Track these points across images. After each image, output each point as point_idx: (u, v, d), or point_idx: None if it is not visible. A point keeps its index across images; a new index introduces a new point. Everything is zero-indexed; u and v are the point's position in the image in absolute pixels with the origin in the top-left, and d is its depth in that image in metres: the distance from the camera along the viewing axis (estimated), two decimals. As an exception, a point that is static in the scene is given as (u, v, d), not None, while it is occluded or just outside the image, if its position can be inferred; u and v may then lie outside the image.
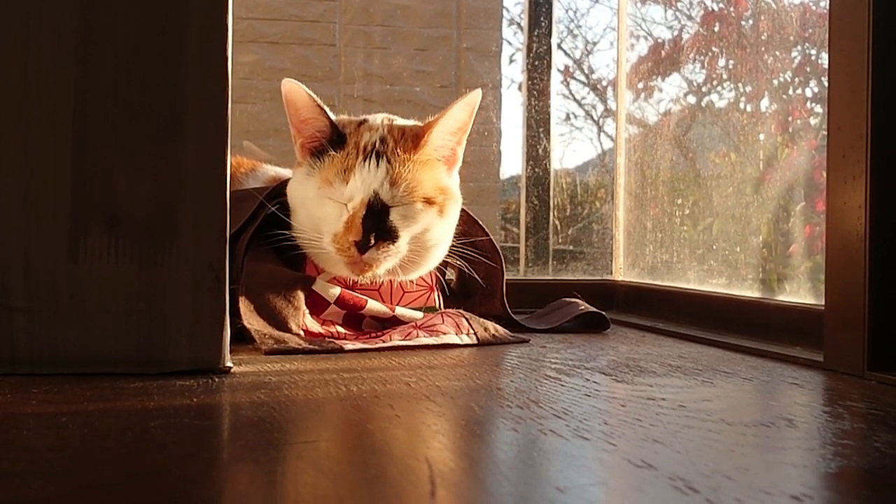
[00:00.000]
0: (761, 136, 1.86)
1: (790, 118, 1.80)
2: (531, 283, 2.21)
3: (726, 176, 1.92)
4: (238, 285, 1.43)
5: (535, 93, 2.39)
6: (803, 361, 1.33)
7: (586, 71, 2.77)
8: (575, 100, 2.73)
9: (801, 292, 1.64)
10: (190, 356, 1.15)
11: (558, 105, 2.48)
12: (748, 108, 1.95)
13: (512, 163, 2.71)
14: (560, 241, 2.44)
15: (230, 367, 1.17)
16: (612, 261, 2.25)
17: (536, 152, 2.38)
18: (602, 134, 2.70)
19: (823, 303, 1.31)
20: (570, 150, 2.73)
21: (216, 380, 1.11)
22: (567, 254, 2.38)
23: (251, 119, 2.61)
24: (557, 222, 2.42)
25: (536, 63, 2.40)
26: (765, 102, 1.91)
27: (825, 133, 1.31)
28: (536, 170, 2.37)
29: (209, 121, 1.16)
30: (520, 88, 2.52)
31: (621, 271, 2.22)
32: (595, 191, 2.54)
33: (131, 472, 0.72)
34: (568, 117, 2.67)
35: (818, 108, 1.77)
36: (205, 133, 1.16)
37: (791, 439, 0.87)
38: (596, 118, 2.73)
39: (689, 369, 1.27)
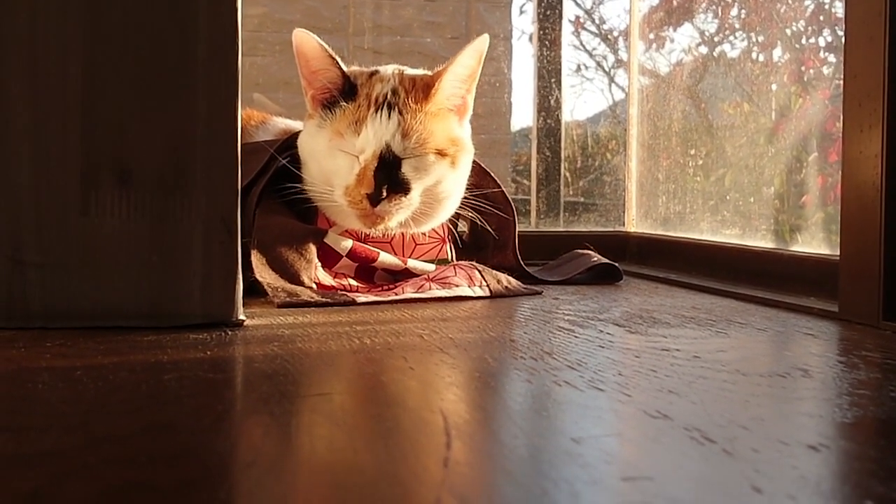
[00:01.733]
0: (774, 87, 1.84)
1: (803, 68, 1.79)
2: (543, 234, 2.20)
3: (739, 126, 1.90)
4: (250, 239, 1.43)
5: (546, 43, 2.37)
6: (818, 312, 1.33)
7: (597, 21, 2.74)
8: (586, 50, 2.70)
9: (814, 243, 1.63)
10: (202, 309, 1.15)
11: (569, 56, 2.45)
12: (761, 58, 1.93)
13: (523, 115, 2.69)
14: (572, 192, 2.43)
15: (243, 320, 1.17)
16: (624, 212, 2.24)
17: (548, 103, 2.36)
18: (613, 85, 2.67)
19: (838, 253, 1.30)
20: (581, 102, 2.71)
21: (229, 333, 1.11)
22: (579, 205, 2.37)
23: (261, 72, 2.59)
24: (568, 174, 2.41)
25: (547, 13, 2.38)
26: (777, 52, 1.89)
27: (839, 83, 1.29)
28: (548, 121, 2.36)
29: (219, 73, 1.15)
30: (530, 39, 2.50)
31: (633, 223, 2.21)
32: (606, 142, 2.52)
33: (146, 424, 0.72)
34: (579, 68, 2.64)
35: (832, 58, 1.75)
36: (215, 86, 1.15)
37: (806, 389, 0.87)
38: (607, 69, 2.71)
39: (703, 320, 1.27)
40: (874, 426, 0.74)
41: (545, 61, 2.37)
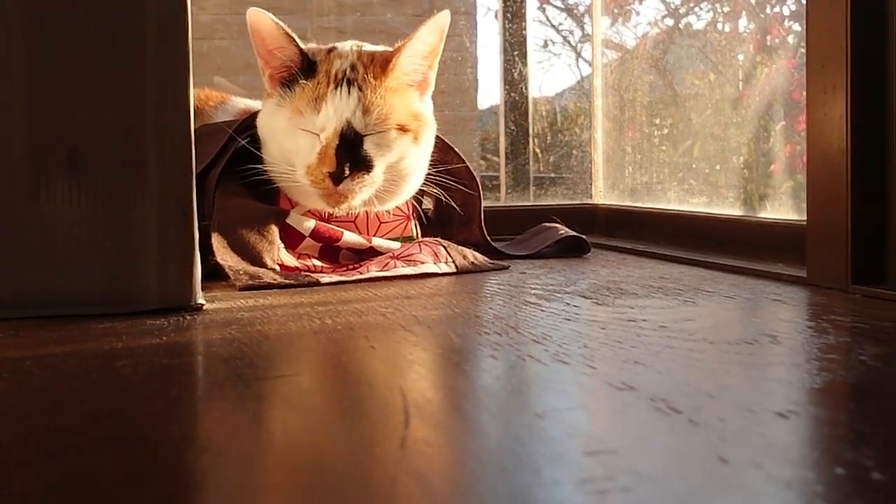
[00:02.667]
0: (740, 56, 1.83)
1: (768, 37, 1.77)
2: (511, 209, 2.18)
3: (705, 96, 1.89)
4: (210, 222, 1.40)
5: (510, 17, 2.34)
6: (786, 278, 1.31)
7: None
8: (552, 26, 2.68)
9: (782, 210, 1.62)
10: (159, 294, 1.12)
11: (535, 32, 2.43)
12: (726, 28, 1.92)
13: (490, 93, 2.67)
14: (541, 168, 2.40)
15: (202, 305, 1.14)
16: (591, 184, 2.23)
17: (513, 77, 2.33)
18: (580, 60, 2.66)
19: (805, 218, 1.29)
20: (549, 78, 2.68)
21: (187, 318, 1.09)
22: (547, 180, 2.35)
23: (222, 54, 2.55)
24: (538, 150, 2.38)
25: (512, -13, 2.35)
26: (743, 22, 1.87)
27: (804, 51, 1.27)
28: (513, 95, 2.33)
29: (170, 53, 1.12)
30: (496, 16, 2.47)
31: (601, 194, 2.20)
32: (574, 117, 2.51)
33: (96, 413, 0.70)
34: (545, 44, 2.62)
35: (796, 27, 1.74)
36: (165, 65, 1.12)
37: (775, 355, 0.85)
38: (574, 44, 2.69)
39: (671, 290, 1.25)
40: (844, 391, 0.73)
41: (510, 35, 2.34)
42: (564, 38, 2.68)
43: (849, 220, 1.19)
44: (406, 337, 0.96)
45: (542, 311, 1.11)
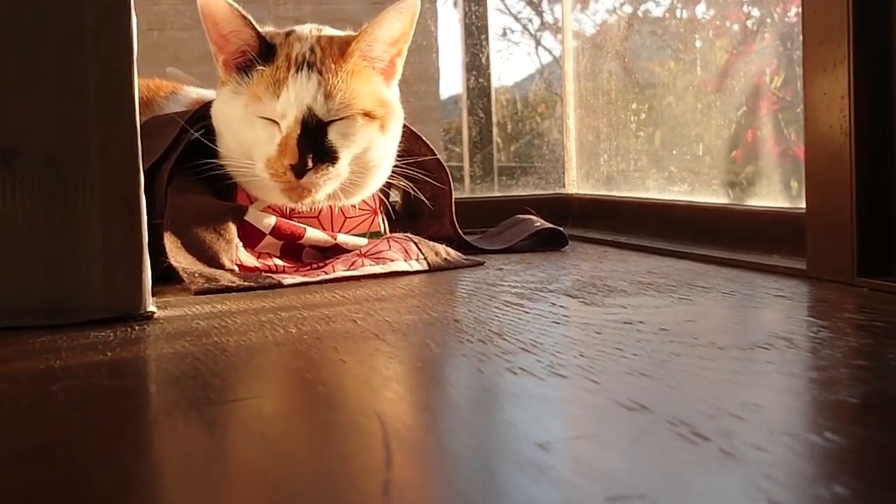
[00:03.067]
0: (717, 42, 1.74)
1: (748, 8, 1.69)
2: (479, 201, 2.08)
3: (680, 78, 1.80)
4: (162, 220, 1.30)
5: (469, 3, 2.25)
6: (783, 270, 1.22)
7: None
8: (511, 14, 2.61)
9: (770, 196, 1.53)
10: (105, 302, 1.01)
11: (494, 20, 2.34)
12: (694, 12, 1.83)
13: (450, 81, 2.58)
14: (506, 157, 2.31)
15: (153, 313, 1.04)
16: (563, 173, 2.13)
17: (479, 63, 2.24)
18: (540, 48, 2.59)
19: (802, 206, 1.20)
20: (509, 66, 2.60)
21: (136, 328, 0.98)
22: (516, 169, 2.25)
23: (179, 45, 2.46)
24: (500, 140, 2.29)
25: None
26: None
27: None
28: (480, 80, 2.23)
29: (111, 41, 1.01)
30: (455, 3, 2.37)
31: (574, 184, 2.10)
32: (535, 105, 2.42)
33: (17, 451, 0.59)
34: (504, 33, 2.54)
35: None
36: (107, 55, 1.01)
37: (795, 363, 0.76)
38: (533, 32, 2.62)
39: (662, 286, 1.16)
40: (888, 405, 0.63)
41: (473, 18, 2.24)
42: (524, 26, 2.62)
43: (853, 207, 1.10)
44: (379, 347, 0.86)
45: (527, 312, 1.01)
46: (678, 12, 1.92)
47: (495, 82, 2.29)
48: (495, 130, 2.26)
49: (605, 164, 2.00)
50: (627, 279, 1.23)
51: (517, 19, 2.60)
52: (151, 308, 1.04)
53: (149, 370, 0.82)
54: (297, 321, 1.00)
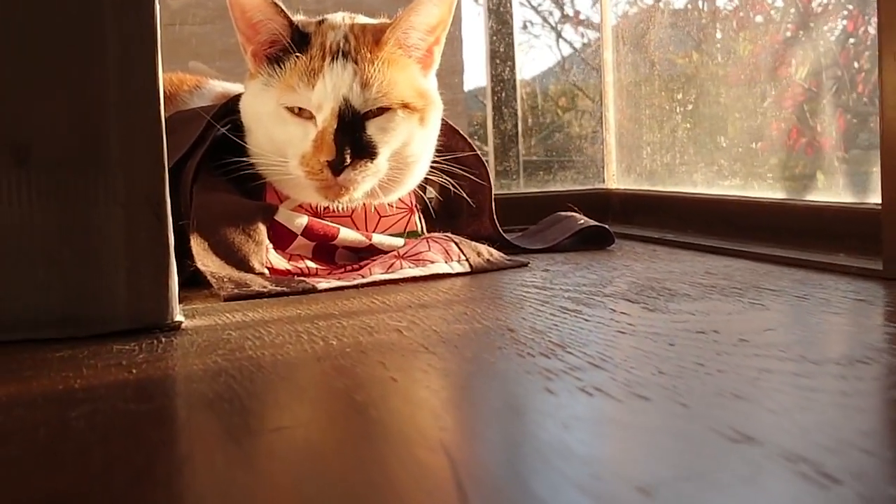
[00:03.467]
0: (769, 27, 1.65)
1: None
2: (513, 197, 1.99)
3: (733, 66, 1.70)
4: (188, 221, 1.22)
5: None
6: (856, 271, 1.14)
7: None
8: (531, 6, 2.54)
9: (834, 190, 1.44)
10: (129, 312, 0.94)
11: (518, 13, 2.26)
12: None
13: (474, 75, 2.52)
14: (543, 151, 2.23)
15: (180, 322, 0.96)
16: (603, 167, 2.04)
17: (501, 57, 2.14)
18: (560, 40, 2.52)
19: (867, 201, 1.12)
20: (529, 59, 2.52)
21: (162, 340, 0.90)
22: (554, 163, 2.16)
23: (200, 40, 2.40)
24: (532, 133, 2.20)
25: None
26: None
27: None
28: (505, 72, 2.14)
29: (133, 23, 0.93)
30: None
31: (614, 178, 2.01)
32: (571, 97, 2.34)
33: (31, 498, 0.51)
34: (525, 26, 2.47)
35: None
36: (128, 38, 0.93)
37: (905, 380, 0.67)
38: (554, 24, 2.55)
39: (727, 289, 1.08)
40: None
41: (497, 10, 2.15)
42: (544, 18, 2.56)
43: (937, 204, 1.01)
44: (431, 362, 0.78)
45: (587, 320, 0.93)
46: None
47: (519, 74, 2.20)
48: (525, 124, 2.17)
49: (649, 158, 1.91)
50: (687, 281, 1.14)
51: (537, 11, 2.55)
52: (179, 317, 0.96)
53: (178, 391, 0.74)
54: (337, 331, 0.92)
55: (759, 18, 1.68)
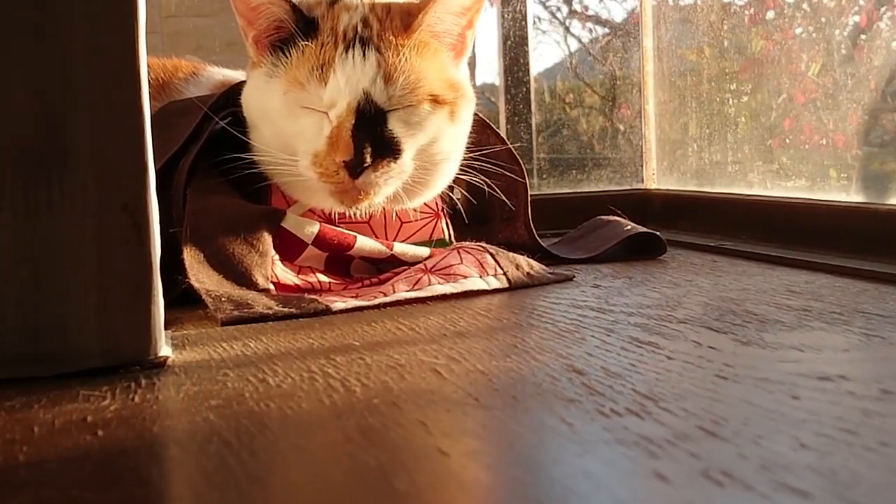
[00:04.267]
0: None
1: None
2: (543, 198, 1.80)
3: (796, 52, 1.52)
4: (180, 229, 1.04)
5: None
6: (974, 291, 0.95)
7: None
8: (539, 1, 2.42)
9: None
10: (101, 346, 0.76)
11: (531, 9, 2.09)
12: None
13: (487, 70, 2.38)
14: (576, 149, 2.05)
15: (165, 358, 0.78)
16: (642, 166, 1.85)
17: (517, 52, 1.96)
18: (569, 36, 2.39)
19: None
20: (537, 55, 2.37)
21: (142, 383, 0.72)
22: (589, 161, 1.97)
23: (201, 34, 2.29)
24: (536, 133, 2.02)
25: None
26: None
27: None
28: (518, 70, 1.95)
29: (108, -8, 0.75)
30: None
31: (654, 178, 1.83)
32: (564, 94, 2.17)
33: None
34: (533, 21, 2.32)
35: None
36: (103, 15, 0.75)
37: None
38: (562, 19, 2.42)
39: (825, 313, 0.89)
40: None
41: (510, 7, 1.97)
42: (552, 14, 2.43)
43: None
44: (487, 423, 0.60)
45: (669, 358, 0.75)
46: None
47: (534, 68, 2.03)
48: (533, 121, 1.99)
49: (695, 156, 1.72)
50: (770, 302, 0.96)
51: (545, 7, 2.43)
52: (164, 351, 0.78)
53: (153, 470, 0.55)
54: (360, 371, 0.74)
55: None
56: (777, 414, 0.59)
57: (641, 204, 1.75)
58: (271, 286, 1.05)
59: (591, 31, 2.47)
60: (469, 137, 1.21)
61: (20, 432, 0.60)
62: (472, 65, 2.32)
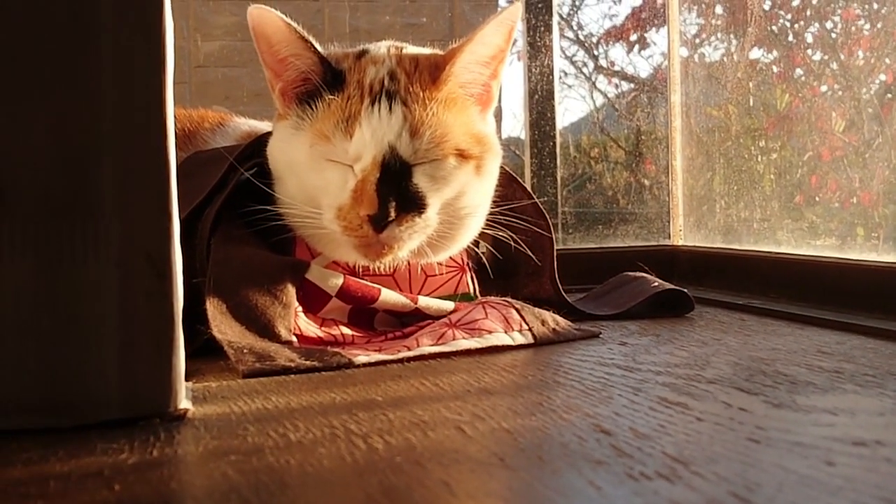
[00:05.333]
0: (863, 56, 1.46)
1: None
2: (569, 252, 1.79)
3: (825, 109, 1.51)
4: (203, 279, 1.04)
5: (536, 45, 1.98)
6: None
7: (575, 27, 2.49)
8: (566, 56, 2.43)
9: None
10: (121, 397, 0.74)
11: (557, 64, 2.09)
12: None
13: (511, 126, 2.40)
14: (603, 203, 2.04)
15: (185, 410, 0.77)
16: (668, 222, 1.84)
17: (542, 107, 1.96)
18: (595, 91, 2.40)
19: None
20: (562, 110, 2.38)
21: (161, 436, 0.71)
22: (616, 216, 1.96)
23: (230, 84, 2.33)
24: (561, 188, 2.02)
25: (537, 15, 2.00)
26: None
27: None
28: (545, 124, 1.95)
29: (134, 36, 0.75)
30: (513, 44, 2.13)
31: (681, 234, 1.81)
32: (589, 148, 2.18)
33: None
34: (560, 76, 2.34)
35: None
36: (128, 50, 0.75)
37: None
38: (588, 74, 2.44)
39: (857, 375, 0.87)
40: None
41: (537, 62, 1.97)
42: (578, 69, 2.45)
43: None
44: (513, 485, 0.58)
45: (699, 420, 0.73)
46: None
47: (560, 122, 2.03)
48: (558, 174, 1.99)
49: (721, 213, 1.71)
50: (801, 363, 0.94)
51: (572, 62, 2.44)
52: (184, 403, 0.77)
53: (171, 526, 0.54)
54: (382, 427, 0.72)
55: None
56: (812, 480, 0.57)
57: (668, 260, 1.74)
58: (294, 338, 1.04)
59: (616, 86, 2.49)
60: (495, 191, 1.20)
61: (35, 486, 0.59)
62: (497, 118, 2.34)
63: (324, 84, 1.10)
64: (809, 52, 1.59)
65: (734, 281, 1.56)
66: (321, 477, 0.61)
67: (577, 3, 2.52)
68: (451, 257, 1.18)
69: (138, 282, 0.75)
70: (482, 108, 1.16)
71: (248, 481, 0.59)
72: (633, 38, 2.11)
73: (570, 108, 2.97)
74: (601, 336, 1.15)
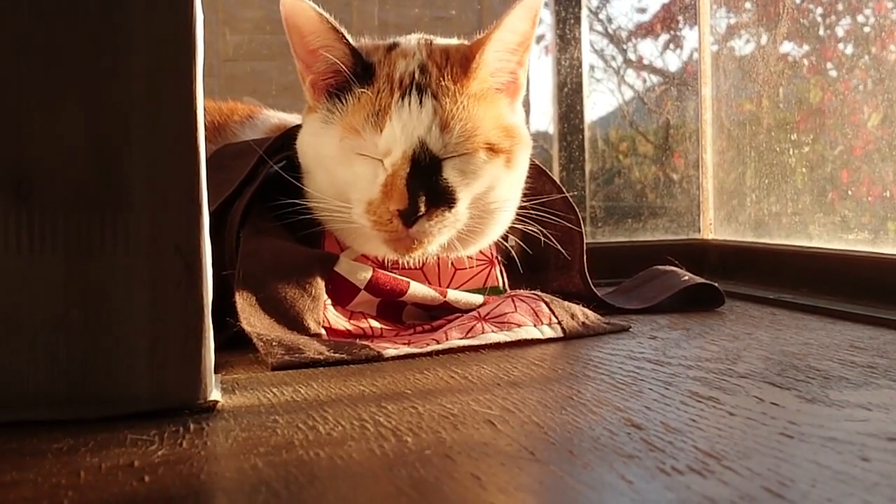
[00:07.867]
0: None
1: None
2: (598, 246, 1.78)
3: (858, 101, 1.49)
4: (232, 271, 1.04)
5: (565, 39, 1.97)
6: None
7: (604, 21, 2.47)
8: (594, 50, 2.42)
9: None
10: (151, 390, 0.75)
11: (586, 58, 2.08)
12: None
13: (539, 119, 2.38)
14: (632, 197, 2.03)
15: (215, 402, 0.77)
16: (699, 216, 1.83)
17: (572, 100, 1.95)
18: (623, 85, 2.39)
19: None
20: (591, 103, 2.37)
21: (191, 428, 0.71)
22: (645, 210, 1.95)
23: (257, 78, 2.32)
24: (590, 181, 2.01)
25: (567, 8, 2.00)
26: None
27: None
28: (573, 118, 1.94)
29: (166, 29, 0.75)
30: (537, 40, 2.13)
31: (711, 228, 1.80)
32: (618, 142, 2.16)
33: None
34: (589, 69, 2.32)
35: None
36: (159, 45, 0.75)
37: None
38: (616, 68, 2.42)
39: (890, 370, 0.87)
40: None
41: (566, 55, 1.96)
42: (607, 63, 2.43)
43: None
44: (544, 480, 0.58)
45: (731, 414, 0.72)
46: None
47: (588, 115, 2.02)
48: (587, 169, 1.98)
49: (752, 206, 1.69)
50: (834, 358, 0.93)
51: (601, 56, 2.42)
52: (214, 395, 0.77)
53: (200, 519, 0.54)
54: (412, 420, 0.72)
55: None
56: (847, 476, 0.57)
57: (698, 254, 1.73)
58: (323, 331, 1.04)
59: (645, 80, 2.48)
60: (525, 184, 1.19)
61: (66, 477, 0.59)
62: (526, 110, 2.33)
63: (354, 76, 1.09)
64: (841, 45, 1.57)
65: (765, 275, 1.54)
66: (350, 469, 0.60)
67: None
68: (480, 251, 1.17)
69: (168, 274, 0.75)
70: (511, 99, 1.15)
71: (277, 474, 0.59)
72: (663, 33, 2.09)
73: (599, 101, 2.96)
74: (631, 330, 1.14)
